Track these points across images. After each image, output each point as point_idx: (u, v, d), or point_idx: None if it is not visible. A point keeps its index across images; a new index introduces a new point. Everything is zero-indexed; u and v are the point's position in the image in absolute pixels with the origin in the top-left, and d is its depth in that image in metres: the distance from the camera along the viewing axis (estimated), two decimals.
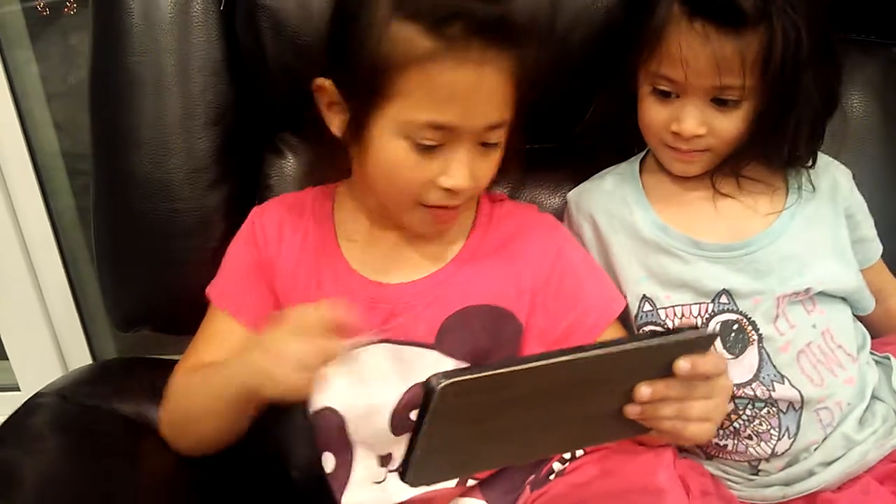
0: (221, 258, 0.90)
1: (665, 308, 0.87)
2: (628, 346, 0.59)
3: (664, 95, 0.85)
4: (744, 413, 0.85)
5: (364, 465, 0.82)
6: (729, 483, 0.88)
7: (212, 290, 0.88)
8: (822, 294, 0.86)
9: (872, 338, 0.93)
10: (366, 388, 0.81)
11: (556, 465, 0.83)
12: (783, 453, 0.85)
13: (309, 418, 0.84)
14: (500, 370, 0.55)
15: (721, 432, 0.87)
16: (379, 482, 0.82)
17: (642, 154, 0.96)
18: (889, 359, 0.91)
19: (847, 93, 1.00)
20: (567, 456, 0.83)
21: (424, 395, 0.54)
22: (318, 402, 0.83)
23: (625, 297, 0.89)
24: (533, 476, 0.83)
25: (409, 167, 0.75)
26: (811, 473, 0.85)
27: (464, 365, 0.81)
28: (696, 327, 0.63)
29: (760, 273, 0.85)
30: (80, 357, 1.49)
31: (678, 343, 0.62)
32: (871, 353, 0.92)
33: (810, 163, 0.88)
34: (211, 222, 0.96)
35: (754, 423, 0.85)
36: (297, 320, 0.69)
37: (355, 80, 0.74)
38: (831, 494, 0.84)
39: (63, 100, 1.36)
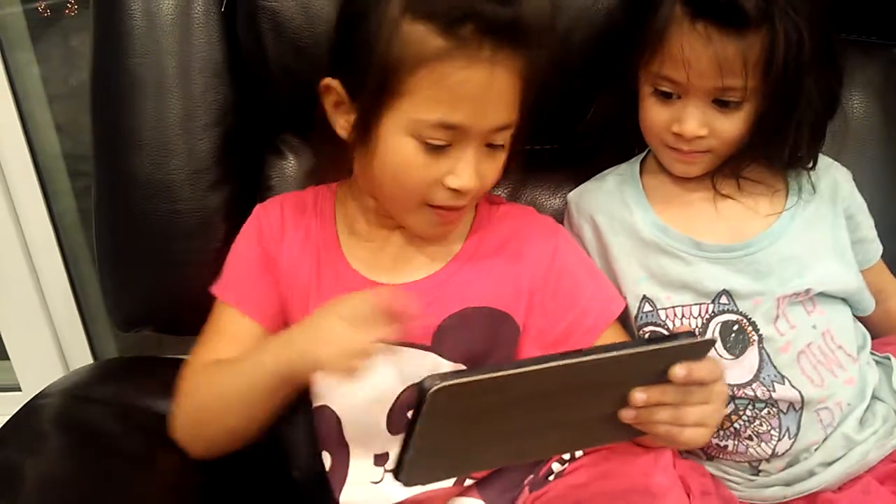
0: (223, 259, 0.90)
1: (665, 309, 0.87)
2: (624, 351, 0.59)
3: (665, 96, 0.85)
4: (744, 414, 0.85)
5: (360, 464, 0.83)
6: (729, 483, 0.88)
7: (219, 288, 0.87)
8: (822, 295, 0.86)
9: (873, 338, 0.93)
10: (362, 387, 0.81)
11: (556, 466, 0.83)
12: (783, 454, 0.86)
13: (311, 412, 0.85)
14: (494, 374, 0.55)
15: (721, 433, 0.87)
16: (376, 482, 0.82)
17: (643, 155, 0.96)
18: (889, 359, 0.91)
19: (847, 94, 1.01)
20: (566, 457, 0.83)
21: (418, 397, 0.54)
22: (316, 400, 0.83)
23: (625, 297, 0.89)
24: (531, 476, 0.83)
25: (416, 167, 0.75)
26: (812, 474, 0.85)
27: (461, 366, 0.81)
28: (692, 333, 0.63)
29: (761, 274, 0.85)
30: (82, 357, 1.49)
31: (674, 349, 0.62)
32: (872, 354, 0.92)
33: (811, 164, 0.88)
34: (212, 223, 0.96)
35: (755, 424, 0.85)
36: (350, 306, 0.68)
37: (364, 79, 0.74)
38: (832, 495, 0.84)
39: (64, 101, 1.36)
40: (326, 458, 0.84)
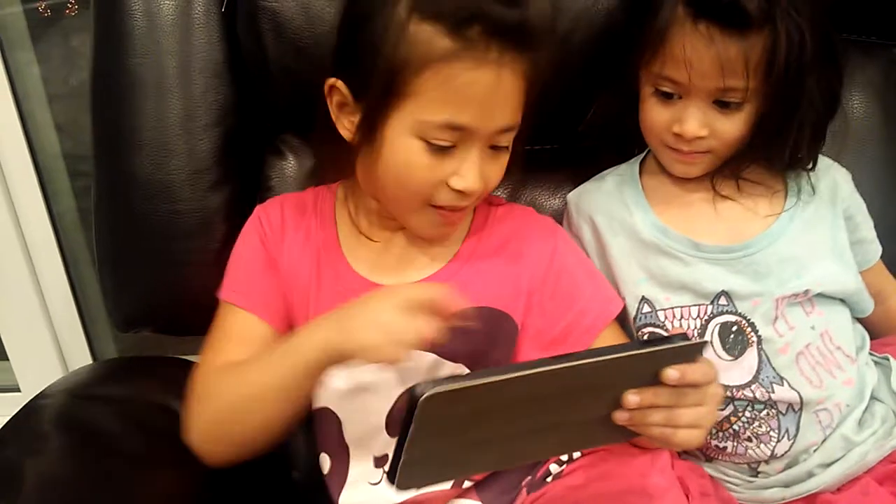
0: (223, 259, 0.90)
1: (664, 310, 0.87)
2: (616, 355, 0.59)
3: (666, 97, 0.85)
4: (743, 415, 0.85)
5: (360, 466, 0.83)
6: (728, 485, 0.88)
7: (224, 291, 0.86)
8: (820, 296, 0.86)
9: (872, 339, 0.93)
10: (362, 388, 0.81)
11: (553, 468, 0.83)
12: (782, 455, 0.86)
13: (311, 413, 0.84)
14: (485, 380, 0.55)
15: (720, 434, 0.87)
16: (374, 483, 0.82)
17: (642, 155, 0.97)
18: (888, 359, 0.91)
19: (848, 94, 1.01)
20: (564, 458, 0.83)
21: (409, 404, 0.54)
22: (316, 401, 0.83)
23: (624, 298, 0.89)
24: (529, 478, 0.83)
25: (421, 167, 0.75)
26: (811, 475, 0.85)
27: (460, 366, 0.81)
28: (686, 336, 0.63)
29: (759, 275, 0.86)
30: (81, 358, 1.50)
31: (667, 352, 0.62)
32: (871, 354, 0.92)
33: (811, 165, 0.88)
34: (212, 224, 0.96)
35: (754, 425, 0.85)
36: (405, 295, 0.68)
37: (369, 80, 0.74)
38: (831, 496, 0.84)
39: (64, 101, 1.36)
40: (326, 460, 0.84)
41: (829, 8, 0.82)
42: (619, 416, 0.63)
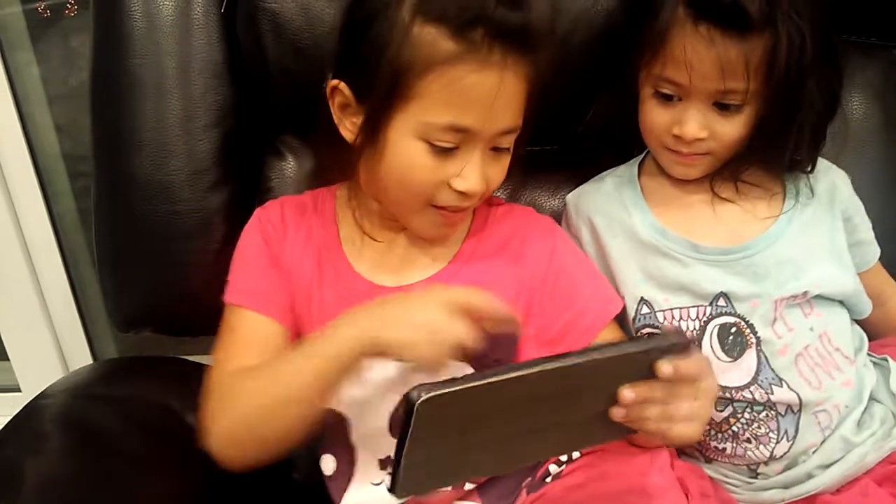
0: (223, 260, 0.90)
1: (663, 311, 0.88)
2: (609, 353, 0.60)
3: (666, 98, 0.85)
4: (742, 416, 0.85)
5: (365, 467, 0.83)
6: (728, 486, 0.88)
7: (233, 294, 0.85)
8: (819, 297, 0.86)
9: (870, 340, 0.93)
10: (367, 389, 0.81)
11: (553, 468, 0.83)
12: (782, 456, 0.86)
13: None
14: (480, 382, 0.56)
15: (720, 436, 0.87)
16: (377, 483, 0.82)
17: (641, 157, 0.97)
18: (887, 360, 0.91)
19: (847, 95, 1.01)
20: (563, 458, 0.83)
21: (405, 409, 0.54)
22: None
23: (623, 299, 0.89)
24: (529, 479, 0.83)
25: (423, 169, 0.76)
26: (810, 476, 0.85)
27: (463, 365, 0.81)
28: (678, 331, 0.63)
29: (758, 276, 0.86)
30: (81, 358, 1.50)
31: (659, 348, 0.62)
32: (869, 355, 0.92)
33: (810, 168, 0.88)
34: (212, 224, 0.96)
35: (753, 427, 0.85)
36: (449, 296, 0.67)
37: (373, 82, 0.74)
38: (830, 497, 0.84)
39: (64, 102, 1.36)
40: (330, 461, 0.84)
41: (829, 9, 0.82)
42: (616, 413, 0.63)
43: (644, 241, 0.89)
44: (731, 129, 0.83)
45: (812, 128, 0.84)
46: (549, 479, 0.83)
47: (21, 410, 0.85)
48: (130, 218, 0.96)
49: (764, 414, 0.85)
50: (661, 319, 0.87)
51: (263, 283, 0.85)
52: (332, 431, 0.83)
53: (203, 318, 0.98)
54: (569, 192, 1.00)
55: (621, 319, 0.88)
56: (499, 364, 0.64)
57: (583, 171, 1.00)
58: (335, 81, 0.79)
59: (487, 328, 0.68)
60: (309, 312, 0.84)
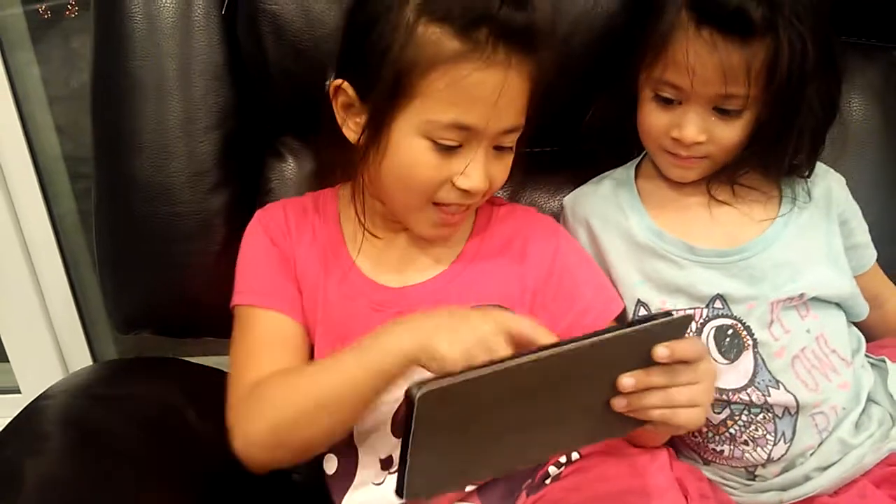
0: (223, 261, 0.90)
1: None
2: (602, 337, 0.60)
3: (666, 102, 0.85)
4: (739, 418, 0.86)
5: (367, 467, 0.83)
6: (726, 488, 0.89)
7: (245, 295, 0.85)
8: (815, 299, 0.87)
9: (868, 341, 0.93)
10: None
11: (552, 470, 0.83)
12: (779, 458, 0.86)
13: None
14: (478, 374, 0.56)
15: (717, 438, 0.87)
16: (378, 483, 0.82)
17: (638, 159, 0.97)
18: (885, 362, 0.91)
19: (847, 96, 1.01)
20: (563, 460, 0.83)
21: (407, 407, 0.54)
22: None
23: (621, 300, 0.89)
24: (529, 481, 0.83)
25: (427, 167, 0.76)
26: (807, 478, 0.85)
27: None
28: (669, 313, 0.63)
29: (754, 279, 0.86)
30: (81, 359, 1.50)
31: (653, 329, 0.62)
32: (867, 356, 0.92)
33: (808, 172, 0.89)
34: (212, 226, 0.97)
35: (750, 429, 0.86)
36: (504, 321, 0.66)
37: (377, 81, 0.75)
38: (828, 499, 0.84)
39: (64, 103, 1.36)
40: (333, 461, 0.84)
41: (829, 14, 0.82)
42: (618, 403, 0.63)
43: (641, 244, 0.90)
44: (730, 133, 0.83)
45: (811, 133, 0.84)
46: (548, 481, 0.83)
47: (22, 411, 0.85)
48: (131, 219, 0.97)
49: (761, 416, 0.85)
50: None
51: (276, 282, 0.85)
52: None
53: (203, 319, 0.99)
54: (568, 194, 1.00)
55: (621, 320, 0.88)
56: None
57: (583, 172, 1.01)
58: (338, 81, 0.80)
59: None
60: (315, 312, 0.85)
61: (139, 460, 0.81)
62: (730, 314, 0.86)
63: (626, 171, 0.96)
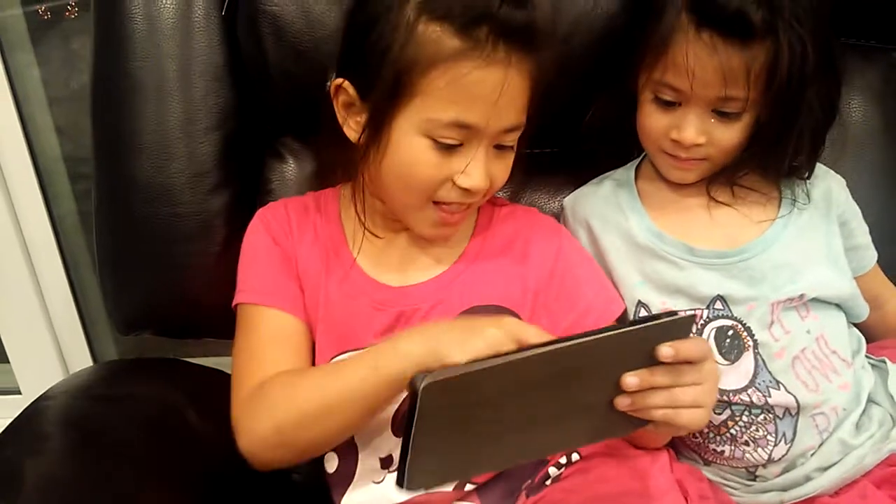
0: (223, 262, 0.90)
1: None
2: (607, 334, 0.60)
3: (666, 104, 0.85)
4: (740, 419, 0.86)
5: (366, 466, 0.83)
6: (727, 488, 0.89)
7: (249, 294, 0.86)
8: (815, 300, 0.87)
9: (868, 342, 0.93)
10: None
11: (552, 471, 0.83)
12: (780, 459, 0.86)
13: None
14: (482, 366, 0.56)
15: (718, 438, 0.87)
16: (378, 482, 0.83)
17: (638, 160, 0.97)
18: (885, 363, 0.91)
19: (847, 98, 1.01)
20: (563, 461, 0.83)
21: (410, 397, 0.54)
22: None
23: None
24: (528, 481, 0.83)
25: (427, 165, 0.76)
26: (808, 479, 0.86)
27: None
28: (673, 313, 0.63)
29: (754, 280, 0.86)
30: (81, 360, 1.50)
31: (658, 328, 0.62)
32: (867, 357, 0.92)
33: (808, 174, 0.89)
34: (212, 227, 0.97)
35: (751, 430, 0.86)
36: (520, 332, 0.66)
37: (377, 79, 0.75)
38: (829, 499, 0.85)
39: (64, 104, 1.36)
40: (333, 459, 0.84)
41: (829, 16, 0.82)
42: (621, 402, 0.63)
43: (641, 245, 0.90)
44: (730, 135, 0.83)
45: (811, 134, 0.84)
46: (548, 482, 0.83)
47: (22, 412, 0.85)
48: (131, 220, 0.97)
49: (762, 417, 0.85)
50: None
51: (279, 281, 0.85)
52: None
53: (203, 320, 0.99)
54: (568, 195, 1.00)
55: (623, 321, 0.88)
56: None
57: (583, 173, 1.01)
58: (339, 80, 0.80)
59: None
60: (316, 310, 0.85)
61: (140, 461, 0.81)
62: (730, 315, 0.86)
63: (626, 172, 0.96)
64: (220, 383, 0.86)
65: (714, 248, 0.88)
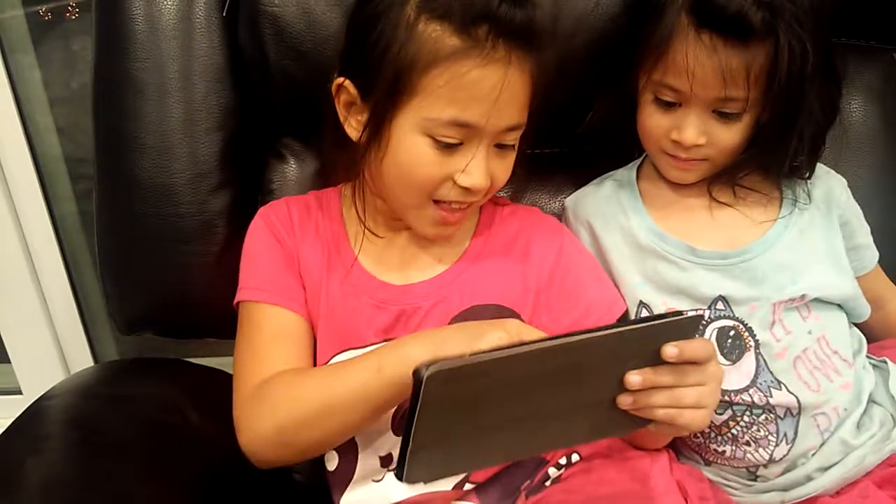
0: (225, 262, 0.90)
1: None
2: (612, 330, 0.60)
3: (666, 104, 0.85)
4: (742, 419, 0.86)
5: (366, 465, 0.83)
6: (728, 489, 0.89)
7: (252, 291, 0.86)
8: (817, 300, 0.87)
9: (869, 342, 0.93)
10: None
11: (552, 471, 0.83)
12: (781, 459, 0.86)
13: None
14: (487, 357, 0.56)
15: (719, 438, 0.87)
16: (377, 481, 0.83)
17: (639, 160, 0.97)
18: (886, 363, 0.91)
19: (847, 98, 1.01)
20: (563, 462, 0.83)
21: (413, 386, 0.54)
22: None
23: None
24: (528, 482, 0.83)
25: (428, 164, 0.76)
26: (809, 479, 0.86)
27: None
28: (680, 312, 0.63)
29: (756, 280, 0.86)
30: (82, 360, 1.50)
31: (663, 327, 0.62)
32: (868, 357, 0.92)
33: (808, 174, 0.89)
34: (214, 227, 0.97)
35: (752, 430, 0.86)
36: (527, 334, 0.67)
37: (377, 78, 0.75)
38: (829, 499, 0.85)
39: (65, 104, 1.36)
40: (333, 457, 0.84)
41: (829, 15, 0.82)
42: (623, 400, 0.63)
43: (642, 245, 0.90)
44: (730, 135, 0.83)
45: (811, 135, 0.85)
46: (548, 483, 0.83)
47: (24, 412, 0.85)
48: (132, 220, 0.97)
49: (763, 417, 0.85)
50: None
51: (281, 278, 0.86)
52: None
53: (204, 320, 0.99)
54: (570, 195, 1.00)
55: (624, 321, 0.88)
56: None
57: (584, 174, 1.01)
58: (340, 79, 0.80)
59: None
60: (317, 308, 0.85)
61: (140, 461, 0.81)
62: (732, 315, 0.86)
63: (627, 173, 0.96)
64: (221, 383, 0.86)
65: (716, 248, 0.88)
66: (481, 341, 0.65)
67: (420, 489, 0.79)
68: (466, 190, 0.78)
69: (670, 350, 0.62)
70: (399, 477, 0.58)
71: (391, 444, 0.82)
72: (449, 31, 0.73)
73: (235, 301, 0.87)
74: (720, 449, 0.87)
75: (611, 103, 0.94)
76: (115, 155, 0.97)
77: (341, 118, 0.82)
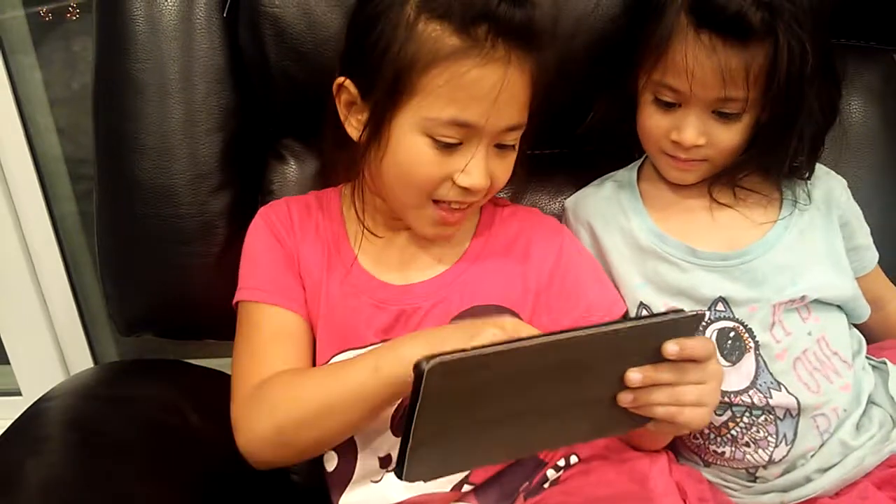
0: (225, 263, 0.90)
1: None
2: (614, 326, 0.60)
3: (666, 105, 0.85)
4: (741, 420, 0.86)
5: (365, 465, 0.83)
6: (727, 490, 0.89)
7: (251, 291, 0.86)
8: (817, 302, 0.87)
9: (869, 343, 0.93)
10: None
11: (550, 473, 0.83)
12: (780, 460, 0.86)
13: None
14: (487, 351, 0.55)
15: (719, 439, 0.87)
16: (376, 481, 0.83)
17: (640, 161, 0.97)
18: (886, 364, 0.91)
19: (847, 98, 1.01)
20: (561, 463, 0.83)
21: (414, 381, 0.54)
22: None
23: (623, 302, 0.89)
24: (527, 484, 0.83)
25: (427, 164, 0.76)
26: (808, 480, 0.86)
27: None
28: (680, 310, 0.63)
29: (756, 282, 0.86)
30: (82, 361, 1.49)
31: (664, 325, 0.62)
32: (868, 358, 0.92)
33: (808, 175, 0.89)
34: (214, 228, 0.97)
35: (752, 431, 0.86)
36: (517, 332, 0.67)
37: (377, 78, 0.75)
38: (829, 501, 0.85)
39: (66, 105, 1.36)
40: (333, 458, 0.84)
41: (829, 16, 0.82)
42: (624, 398, 0.63)
43: (643, 246, 0.90)
44: (729, 136, 0.84)
45: (811, 136, 0.85)
46: (546, 485, 0.83)
47: (23, 413, 0.85)
48: (132, 221, 0.97)
49: (763, 418, 0.85)
50: None
51: (281, 278, 0.86)
52: None
53: (204, 321, 0.99)
54: (569, 196, 1.00)
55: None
56: None
57: (584, 174, 1.01)
58: (341, 79, 0.80)
59: None
60: (317, 308, 0.85)
61: (140, 461, 0.81)
62: (732, 317, 0.86)
63: (627, 173, 0.96)
64: (221, 384, 0.86)
65: (716, 249, 0.88)
66: (478, 339, 0.65)
67: (419, 489, 0.79)
68: (466, 190, 0.78)
69: (671, 347, 0.62)
70: (399, 475, 0.58)
71: (390, 444, 0.82)
72: (449, 30, 0.73)
73: (235, 301, 0.87)
74: (719, 450, 0.87)
75: (611, 104, 0.94)
76: (115, 156, 0.97)
77: (342, 118, 0.82)
